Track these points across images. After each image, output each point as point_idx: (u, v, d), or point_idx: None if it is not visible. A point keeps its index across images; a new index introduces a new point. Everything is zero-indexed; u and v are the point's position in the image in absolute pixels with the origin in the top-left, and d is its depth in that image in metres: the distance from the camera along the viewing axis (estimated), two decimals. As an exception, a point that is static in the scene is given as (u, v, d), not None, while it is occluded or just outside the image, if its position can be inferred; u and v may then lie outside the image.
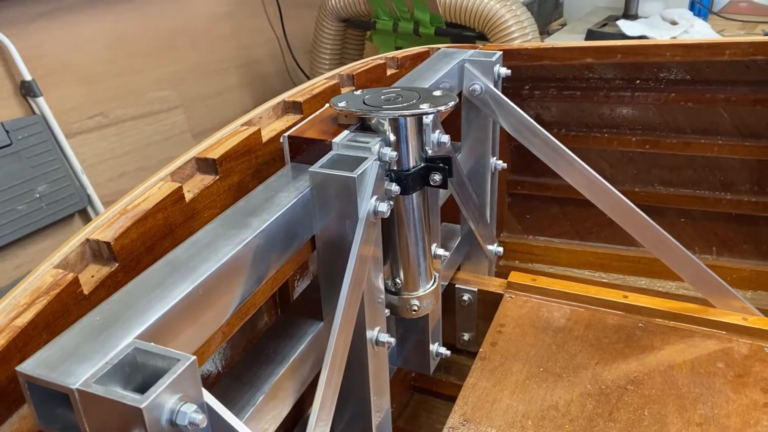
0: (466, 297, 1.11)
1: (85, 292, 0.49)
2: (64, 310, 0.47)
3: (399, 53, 1.03)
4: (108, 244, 0.51)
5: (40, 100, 1.68)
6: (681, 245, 0.98)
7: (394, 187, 0.65)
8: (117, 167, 1.94)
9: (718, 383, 0.89)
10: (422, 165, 0.68)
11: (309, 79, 2.43)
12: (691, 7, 2.31)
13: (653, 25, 2.18)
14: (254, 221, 0.55)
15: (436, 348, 0.95)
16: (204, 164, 0.63)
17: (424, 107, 0.64)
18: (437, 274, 0.79)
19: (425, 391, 1.29)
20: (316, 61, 2.17)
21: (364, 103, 0.67)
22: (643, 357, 0.95)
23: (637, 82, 1.25)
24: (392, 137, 0.66)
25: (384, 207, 0.62)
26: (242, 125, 0.70)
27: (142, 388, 0.38)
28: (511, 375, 0.93)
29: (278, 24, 2.38)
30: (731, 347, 0.95)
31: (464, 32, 1.89)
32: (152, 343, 0.41)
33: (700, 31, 2.15)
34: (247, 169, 0.67)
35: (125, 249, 0.52)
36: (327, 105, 0.74)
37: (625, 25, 2.11)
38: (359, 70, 0.89)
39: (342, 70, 0.88)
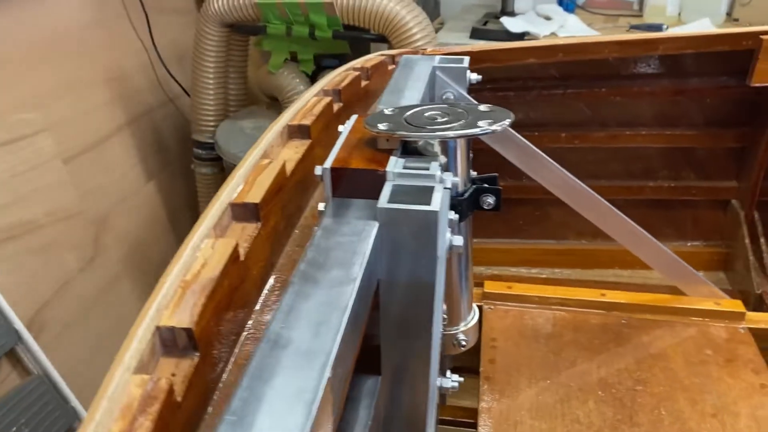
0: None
1: (178, 398, 0.37)
2: (166, 430, 0.35)
3: (358, 63, 0.96)
4: (188, 331, 0.40)
5: None
6: (650, 235, 1.01)
7: (454, 216, 0.58)
8: (-22, 208, 1.66)
9: (713, 371, 0.92)
10: (473, 188, 0.61)
11: (185, 91, 2.25)
12: (560, 3, 2.42)
13: (531, 21, 2.26)
14: (341, 276, 0.46)
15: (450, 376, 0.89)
16: (243, 211, 0.52)
17: (483, 125, 0.57)
18: (475, 304, 0.73)
19: (441, 421, 1.21)
20: (199, 71, 2.01)
21: (408, 123, 0.59)
22: (637, 354, 0.95)
23: (571, 80, 1.27)
24: (443, 159, 0.59)
25: (460, 240, 0.55)
26: (261, 158, 0.59)
27: None
28: (521, 392, 0.89)
29: (145, 32, 2.17)
30: (711, 333, 0.99)
31: (363, 35, 1.83)
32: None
33: (573, 25, 2.26)
34: (279, 210, 0.57)
35: (205, 333, 0.41)
36: (341, 129, 0.65)
37: (508, 22, 2.17)
38: (342, 85, 0.80)
39: (324, 86, 0.79)
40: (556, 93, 1.28)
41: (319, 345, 0.40)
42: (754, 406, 0.86)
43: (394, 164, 0.57)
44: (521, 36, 2.12)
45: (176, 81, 2.27)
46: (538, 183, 0.96)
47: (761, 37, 1.07)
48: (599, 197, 0.99)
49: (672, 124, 1.35)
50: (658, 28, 2.19)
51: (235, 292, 0.47)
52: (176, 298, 0.41)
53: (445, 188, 0.55)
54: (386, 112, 0.63)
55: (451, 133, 0.56)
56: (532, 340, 0.98)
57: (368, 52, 2.05)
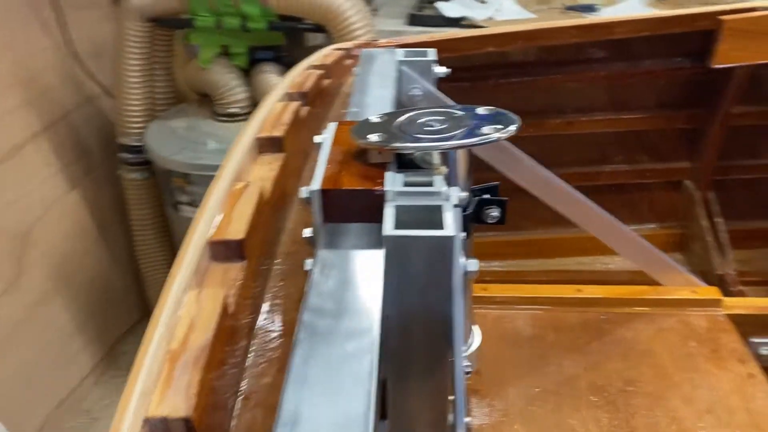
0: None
1: None
2: None
3: (317, 60, 0.88)
4: (186, 421, 0.31)
5: None
6: (623, 225, 0.98)
7: (462, 234, 0.51)
8: None
9: (701, 363, 0.90)
10: (475, 200, 0.55)
11: (106, 90, 2.09)
12: (492, -14, 2.38)
13: (467, 5, 2.21)
14: (355, 326, 0.39)
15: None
16: (224, 249, 0.44)
17: (488, 131, 0.51)
18: (476, 326, 0.67)
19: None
20: (122, 70, 1.86)
21: (403, 132, 0.52)
22: (622, 351, 0.92)
23: (527, 67, 1.23)
24: (444, 171, 0.52)
25: (475, 265, 0.49)
26: (234, 181, 0.51)
27: None
28: (512, 404, 0.84)
29: (56, 28, 1.99)
30: (692, 322, 0.97)
31: (299, 25, 1.74)
32: None
33: (509, 8, 2.23)
34: (263, 243, 0.49)
35: (203, 417, 0.33)
36: (319, 139, 0.57)
37: (444, 7, 2.11)
38: (307, 86, 0.72)
39: (288, 89, 0.71)
40: (513, 81, 1.24)
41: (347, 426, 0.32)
42: (746, 398, 0.84)
43: (393, 181, 0.50)
44: (458, 21, 2.07)
45: (95, 80, 2.10)
46: (497, 174, 0.91)
47: (720, 17, 1.06)
48: (571, 189, 0.95)
49: (626, 108, 1.33)
50: (591, 8, 2.18)
51: (228, 354, 0.39)
52: (164, 376, 0.33)
53: (455, 206, 0.49)
54: (374, 119, 0.55)
55: (454, 143, 0.49)
56: (514, 345, 0.93)
57: (304, 43, 1.96)
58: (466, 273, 0.48)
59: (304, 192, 0.50)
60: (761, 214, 1.45)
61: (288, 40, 1.87)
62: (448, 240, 0.44)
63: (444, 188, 0.49)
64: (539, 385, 0.87)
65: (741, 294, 1.24)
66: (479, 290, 1.01)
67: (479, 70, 1.22)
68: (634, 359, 0.91)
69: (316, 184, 0.49)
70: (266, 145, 0.58)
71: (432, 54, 0.86)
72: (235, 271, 0.43)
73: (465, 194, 0.50)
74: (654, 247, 0.99)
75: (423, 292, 0.47)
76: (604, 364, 0.90)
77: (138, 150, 1.91)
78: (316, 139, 0.58)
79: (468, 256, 0.56)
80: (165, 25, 1.84)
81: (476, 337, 0.65)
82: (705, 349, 0.92)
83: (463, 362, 0.59)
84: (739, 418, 0.81)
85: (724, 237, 1.33)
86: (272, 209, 0.54)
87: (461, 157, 0.52)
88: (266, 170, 0.56)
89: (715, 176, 1.39)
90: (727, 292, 1.28)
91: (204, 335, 0.35)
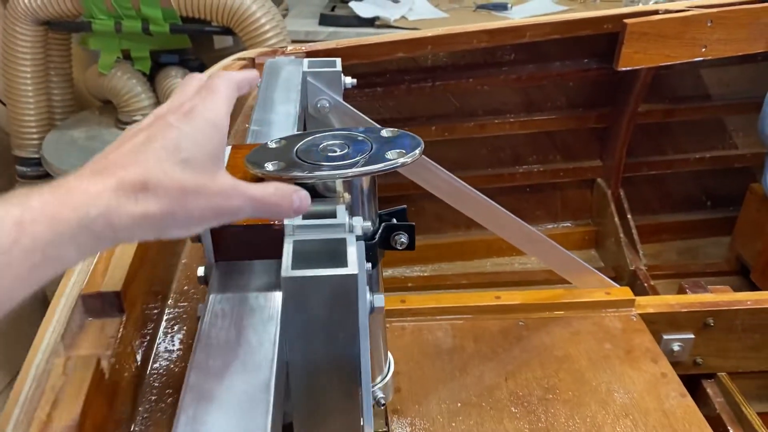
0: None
1: None
2: None
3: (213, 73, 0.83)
4: None
5: None
6: (536, 230, 0.98)
7: (368, 267, 0.49)
8: None
9: (616, 365, 0.91)
10: (382, 226, 0.52)
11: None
12: (404, -16, 2.37)
13: (380, 5, 2.19)
14: (247, 386, 0.36)
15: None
16: (99, 303, 0.39)
17: (392, 156, 0.48)
18: (390, 355, 0.64)
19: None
20: (12, 77, 1.73)
21: (301, 159, 0.48)
22: (541, 358, 0.92)
23: (438, 72, 1.21)
24: (347, 198, 0.49)
25: (381, 301, 0.46)
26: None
27: None
28: (434, 422, 0.82)
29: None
30: (607, 324, 0.98)
31: (206, 28, 1.67)
32: None
33: (421, 7, 2.23)
34: (146, 291, 0.44)
35: None
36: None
37: (358, 8, 2.09)
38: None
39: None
40: (424, 86, 1.22)
41: None
42: (661, 399, 0.85)
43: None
44: (372, 21, 2.05)
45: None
46: (406, 180, 0.90)
47: (624, 21, 1.07)
48: (483, 197, 0.94)
49: (538, 110, 1.34)
50: (503, 6, 2.21)
51: (105, 424, 0.35)
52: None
53: (358, 238, 0.46)
54: (271, 145, 0.51)
55: (356, 171, 0.46)
56: (435, 358, 0.92)
57: (212, 46, 1.89)
58: (373, 309, 0.45)
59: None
60: (667, 208, 1.50)
61: (195, 43, 1.80)
62: (352, 279, 0.42)
63: (347, 219, 0.46)
64: (461, 399, 0.85)
65: (653, 289, 1.28)
66: (397, 302, 0.99)
67: (391, 75, 1.20)
68: (553, 365, 0.91)
69: (206, 220, 0.45)
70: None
71: (338, 64, 0.83)
72: (113, 327, 0.39)
73: (369, 224, 0.47)
74: (566, 250, 1.00)
75: (327, 335, 0.44)
76: (523, 372, 0.90)
77: (36, 162, 1.79)
78: (210, 165, 0.54)
79: (375, 289, 0.53)
80: (59, 28, 1.72)
81: (391, 365, 0.63)
82: (620, 351, 0.93)
83: (372, 399, 0.56)
84: (655, 419, 0.83)
85: (634, 233, 1.37)
86: (161, 245, 0.49)
87: (365, 182, 0.49)
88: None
89: (625, 173, 1.42)
90: (639, 288, 1.32)
91: (70, 415, 0.31)
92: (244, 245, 0.45)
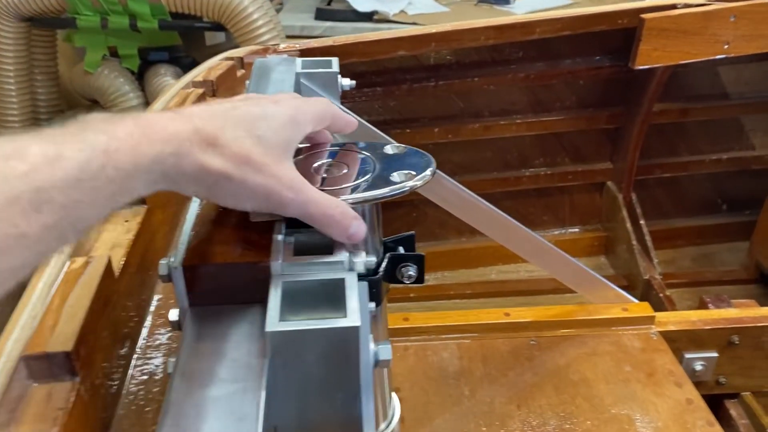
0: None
1: None
2: None
3: (199, 76, 0.76)
4: None
5: None
6: (551, 244, 0.91)
7: (372, 307, 0.41)
8: None
9: (638, 391, 0.84)
10: (387, 257, 0.45)
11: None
12: (405, -21, 2.29)
13: (378, -2, 2.11)
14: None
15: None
16: (45, 367, 0.32)
17: (398, 178, 0.41)
18: (395, 394, 0.57)
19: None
20: (-5, 75, 1.66)
21: (292, 183, 0.41)
22: (555, 381, 0.85)
23: (442, 70, 1.14)
24: (345, 229, 0.42)
25: (388, 352, 0.39)
26: (71, 256, 0.39)
27: None
28: (441, 455, 0.76)
29: None
30: (625, 343, 0.91)
31: (196, 24, 1.60)
32: None
33: (422, 1, 2.15)
34: (108, 344, 0.37)
35: None
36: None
37: (355, 1, 2.01)
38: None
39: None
40: (427, 86, 1.15)
41: None
42: (687, 428, 0.79)
43: (281, 248, 0.39)
44: (370, 15, 1.98)
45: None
46: None
47: (642, 16, 1.00)
48: (493, 208, 0.87)
49: (546, 110, 1.27)
50: (505, 0, 2.13)
51: None
52: None
53: (360, 278, 0.39)
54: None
55: (357, 197, 0.39)
56: (441, 383, 0.85)
57: (204, 42, 1.81)
58: (378, 362, 0.38)
59: (163, 268, 0.38)
60: (681, 212, 1.44)
61: (185, 39, 1.72)
62: (352, 331, 0.34)
63: (346, 256, 0.39)
64: (470, 430, 0.79)
65: (668, 299, 1.21)
66: (400, 320, 0.92)
67: (391, 74, 1.12)
68: (569, 390, 0.84)
69: (177, 257, 0.38)
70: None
71: (335, 65, 0.76)
72: (62, 394, 0.32)
73: (373, 259, 0.40)
74: (575, 258, 0.93)
75: (323, 396, 0.36)
76: (537, 398, 0.83)
77: (20, 164, 1.71)
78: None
79: (380, 335, 0.46)
80: (43, 25, 1.65)
81: (396, 406, 0.56)
82: (640, 374, 0.86)
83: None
84: (682, 452, 0.76)
85: (647, 239, 1.30)
86: (128, 285, 0.42)
87: (370, 210, 0.42)
88: (119, 233, 0.44)
89: (637, 176, 1.35)
90: (654, 298, 1.25)
91: None
92: (220, 289, 0.38)
